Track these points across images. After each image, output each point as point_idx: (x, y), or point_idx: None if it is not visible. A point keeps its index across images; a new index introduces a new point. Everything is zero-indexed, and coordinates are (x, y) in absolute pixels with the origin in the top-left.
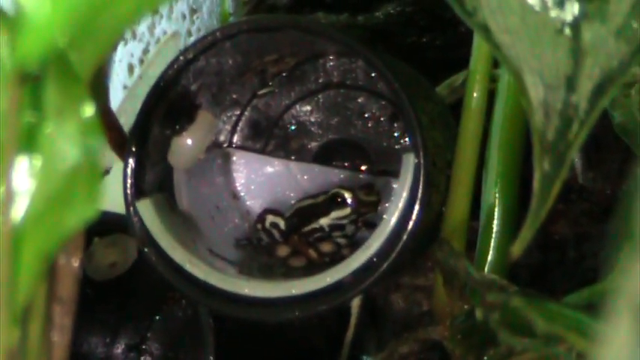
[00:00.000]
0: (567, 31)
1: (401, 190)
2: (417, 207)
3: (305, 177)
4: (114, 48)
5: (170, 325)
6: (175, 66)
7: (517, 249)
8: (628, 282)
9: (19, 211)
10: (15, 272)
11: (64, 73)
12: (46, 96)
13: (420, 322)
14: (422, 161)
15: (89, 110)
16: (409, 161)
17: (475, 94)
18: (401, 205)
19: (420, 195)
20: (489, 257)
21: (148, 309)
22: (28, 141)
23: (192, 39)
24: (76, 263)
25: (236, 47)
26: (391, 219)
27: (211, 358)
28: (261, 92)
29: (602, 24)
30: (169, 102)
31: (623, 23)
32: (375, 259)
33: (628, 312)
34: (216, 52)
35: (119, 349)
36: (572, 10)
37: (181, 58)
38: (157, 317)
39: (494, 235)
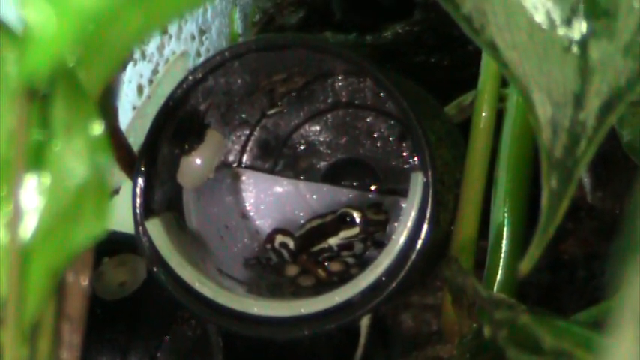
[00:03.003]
0: (575, 48)
1: (409, 209)
2: (425, 226)
3: (314, 197)
4: (123, 68)
5: (179, 345)
6: (184, 85)
7: (525, 267)
8: (631, 293)
9: (27, 228)
10: (24, 289)
11: (73, 90)
12: (54, 113)
13: (429, 341)
14: (430, 180)
15: (97, 128)
16: (417, 180)
17: (484, 114)
18: (409, 224)
19: (428, 214)
20: (498, 276)
21: (158, 328)
22: (37, 158)
23: (201, 59)
24: (85, 282)
25: (244, 67)
26: (400, 238)
27: None
28: (270, 112)
29: (609, 41)
30: (178, 121)
31: (630, 40)
32: (383, 278)
33: (631, 322)
34: (224, 71)
35: None
36: (580, 28)
37: (190, 77)
38: (167, 337)
39: (502, 255)
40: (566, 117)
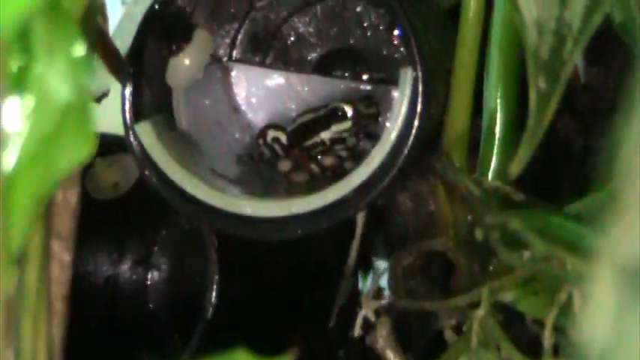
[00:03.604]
0: None
1: (400, 105)
2: (416, 121)
3: (305, 88)
4: None
5: (176, 238)
6: None
7: (515, 168)
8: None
9: (11, 154)
10: (10, 216)
11: (53, 10)
12: (34, 35)
13: (428, 222)
14: (419, 74)
15: (80, 49)
16: (406, 74)
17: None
18: (400, 120)
19: (419, 109)
20: (492, 164)
21: (153, 223)
22: (18, 82)
23: None
24: (73, 198)
25: None
26: (391, 134)
27: (216, 276)
28: (258, 4)
29: None
30: (165, 23)
31: None
32: (376, 174)
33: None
34: None
35: (126, 264)
36: None
37: None
38: (163, 231)
39: (496, 141)
40: (552, 17)
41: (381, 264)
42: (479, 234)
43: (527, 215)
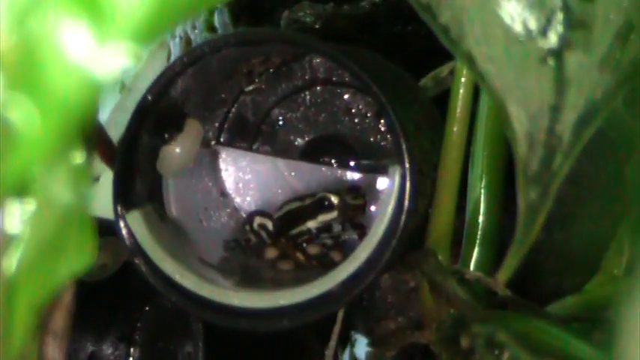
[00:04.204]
0: (551, 60)
1: (387, 200)
2: (403, 217)
3: (292, 174)
4: None
5: (160, 315)
6: (163, 79)
7: (503, 276)
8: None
9: (11, 259)
10: (11, 322)
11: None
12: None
13: (408, 300)
14: (408, 174)
15: (79, 156)
16: (395, 173)
17: (461, 91)
18: (388, 215)
19: (406, 206)
20: (475, 253)
21: (138, 301)
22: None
23: (178, 41)
24: (68, 297)
25: (223, 57)
26: (379, 230)
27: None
28: (248, 89)
29: (585, 54)
30: (157, 113)
31: (606, 53)
32: (363, 269)
33: None
34: (203, 64)
35: (109, 341)
36: (556, 38)
37: (169, 71)
38: (147, 308)
39: (480, 231)
40: (543, 130)
41: (360, 338)
42: (465, 342)
43: (510, 320)
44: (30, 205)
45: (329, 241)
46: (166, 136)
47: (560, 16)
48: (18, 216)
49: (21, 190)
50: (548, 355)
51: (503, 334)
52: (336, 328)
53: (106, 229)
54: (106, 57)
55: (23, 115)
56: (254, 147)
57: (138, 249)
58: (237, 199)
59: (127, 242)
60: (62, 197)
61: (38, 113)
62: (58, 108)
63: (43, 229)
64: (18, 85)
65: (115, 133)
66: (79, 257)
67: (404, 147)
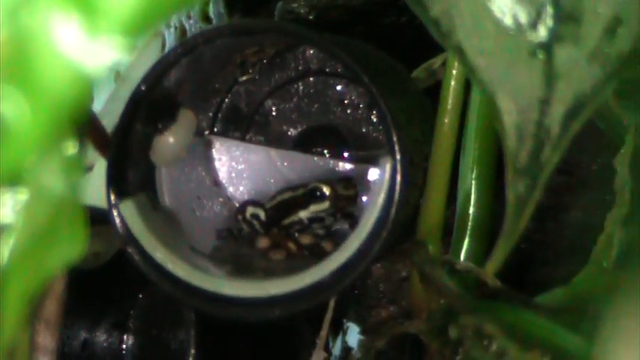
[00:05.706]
0: (541, 53)
1: (378, 191)
2: (394, 208)
3: (285, 164)
4: None
5: (154, 303)
6: (157, 70)
7: (491, 268)
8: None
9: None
10: (1, 314)
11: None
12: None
13: (400, 289)
14: (398, 165)
15: (72, 147)
16: (386, 165)
17: (452, 83)
18: (379, 206)
19: (397, 196)
20: (465, 244)
21: (132, 289)
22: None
23: (172, 31)
24: (60, 286)
25: (217, 47)
26: (369, 221)
27: (192, 350)
28: (241, 79)
29: (574, 47)
30: (151, 103)
31: (595, 47)
32: (354, 258)
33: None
34: (197, 54)
35: (103, 328)
36: (545, 32)
37: (163, 61)
38: (140, 295)
39: (470, 222)
40: (532, 123)
41: (352, 326)
42: (453, 333)
43: (499, 311)
44: (22, 195)
45: (321, 231)
46: (160, 125)
47: (550, 9)
48: (10, 206)
49: (13, 180)
50: (537, 346)
51: (491, 325)
52: (328, 317)
53: (99, 218)
54: (97, 50)
55: (15, 108)
56: (247, 137)
57: (130, 237)
58: (230, 189)
59: (120, 231)
60: (54, 187)
61: (30, 106)
62: (50, 101)
63: (35, 218)
64: (10, 78)
65: (109, 122)
66: (71, 246)
67: (395, 138)
